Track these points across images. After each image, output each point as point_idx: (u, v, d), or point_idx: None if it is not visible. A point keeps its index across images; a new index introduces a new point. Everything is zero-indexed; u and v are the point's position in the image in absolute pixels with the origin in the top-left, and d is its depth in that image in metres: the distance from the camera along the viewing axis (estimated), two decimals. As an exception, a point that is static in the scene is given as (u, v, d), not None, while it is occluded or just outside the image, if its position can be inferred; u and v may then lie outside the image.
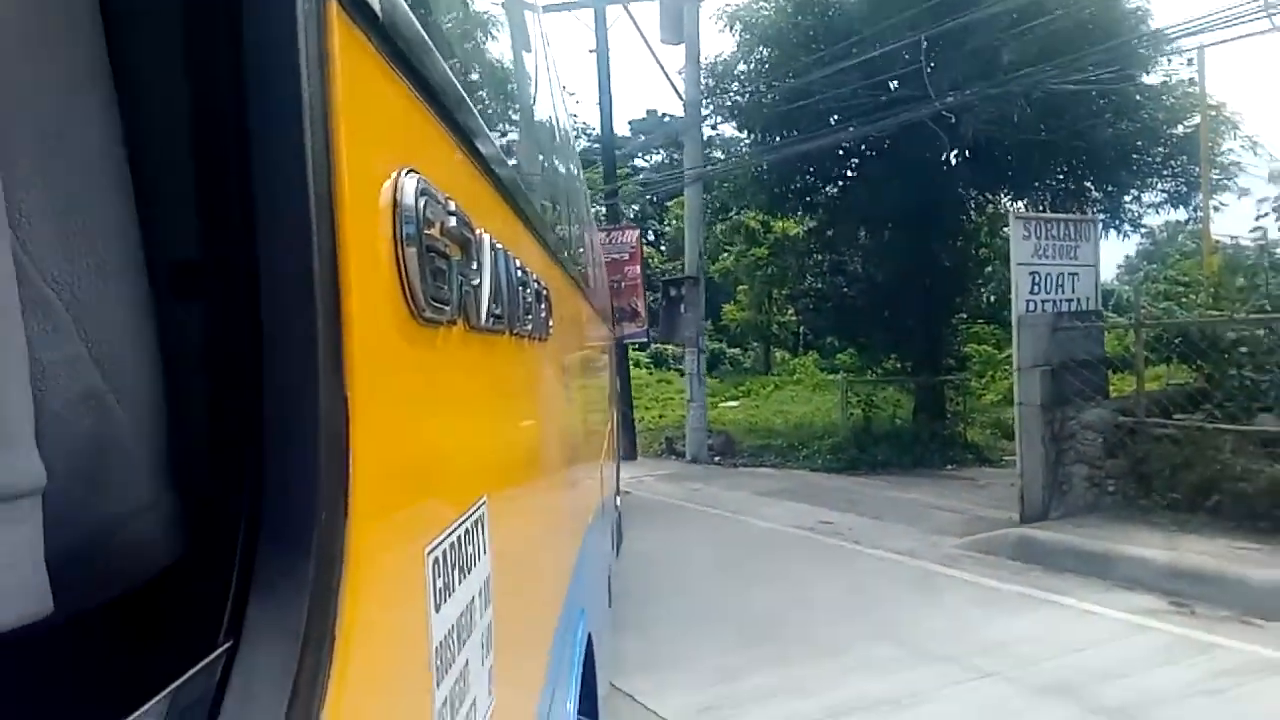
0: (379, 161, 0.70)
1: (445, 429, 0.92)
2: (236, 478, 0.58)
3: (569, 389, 2.71)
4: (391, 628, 0.71)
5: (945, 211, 15.41)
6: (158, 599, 0.59)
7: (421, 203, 0.74)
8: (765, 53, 15.39)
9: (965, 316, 18.15)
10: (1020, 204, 16.55)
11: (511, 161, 1.53)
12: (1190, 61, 12.46)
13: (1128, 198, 16.54)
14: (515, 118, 1.90)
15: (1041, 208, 16.09)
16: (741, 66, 15.63)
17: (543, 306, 1.75)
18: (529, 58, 2.35)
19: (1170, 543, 7.07)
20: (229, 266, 0.59)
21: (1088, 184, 16.19)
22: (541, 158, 2.38)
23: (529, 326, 1.52)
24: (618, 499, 7.48)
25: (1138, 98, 14.12)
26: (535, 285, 1.63)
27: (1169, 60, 13.88)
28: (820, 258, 18.84)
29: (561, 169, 3.20)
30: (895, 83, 13.55)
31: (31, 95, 0.49)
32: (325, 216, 0.58)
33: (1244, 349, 7.95)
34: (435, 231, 0.79)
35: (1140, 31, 13.22)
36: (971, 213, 16.67)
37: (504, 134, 1.57)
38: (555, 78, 3.56)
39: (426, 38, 0.87)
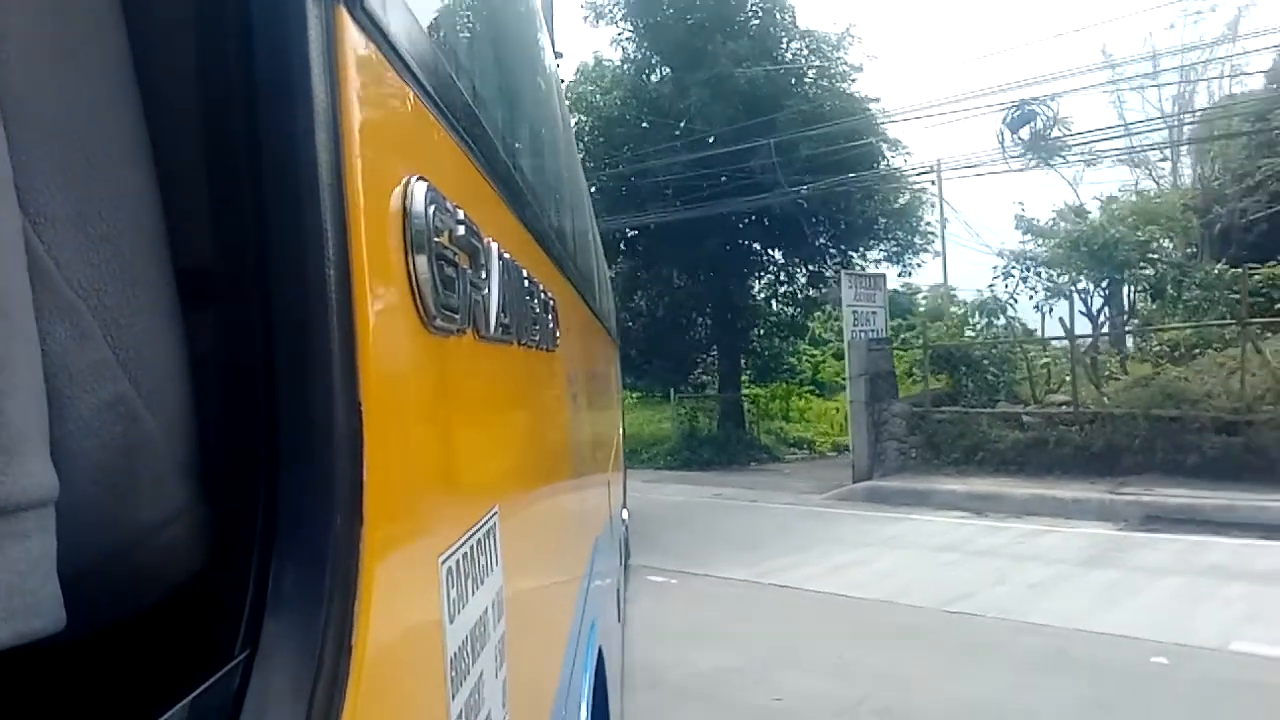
0: (389, 168, 0.70)
1: (456, 438, 0.91)
2: (252, 486, 0.57)
3: (577, 399, 2.74)
4: (407, 638, 0.71)
5: (737, 260, 19.61)
6: (174, 608, 0.58)
7: (430, 210, 0.73)
8: (589, 123, 18.77)
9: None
10: (781, 256, 21.20)
11: (518, 171, 1.54)
12: (932, 169, 17.48)
13: (855, 254, 21.67)
14: (521, 128, 1.89)
15: (797, 260, 20.88)
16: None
17: (550, 316, 1.75)
18: (535, 67, 2.36)
19: (960, 483, 11.27)
20: (241, 275, 0.59)
21: (827, 242, 21.07)
22: (546, 167, 2.37)
23: (537, 336, 1.51)
24: (624, 512, 7.48)
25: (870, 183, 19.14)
26: (542, 295, 1.63)
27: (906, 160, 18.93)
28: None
29: (566, 178, 3.20)
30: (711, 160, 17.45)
31: (54, 102, 0.49)
32: (337, 222, 0.58)
33: (986, 361, 12.52)
34: (444, 240, 0.78)
35: (883, 135, 18.15)
36: (755, 263, 21.01)
37: (510, 144, 1.56)
38: (558, 87, 3.64)
39: (435, 47, 0.89)
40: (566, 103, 5.08)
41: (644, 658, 5.77)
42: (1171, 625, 5.99)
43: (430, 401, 0.81)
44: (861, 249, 21.44)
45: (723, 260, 18.77)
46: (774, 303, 22.23)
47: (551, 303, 1.80)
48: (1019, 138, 11.73)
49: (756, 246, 20.55)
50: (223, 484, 0.60)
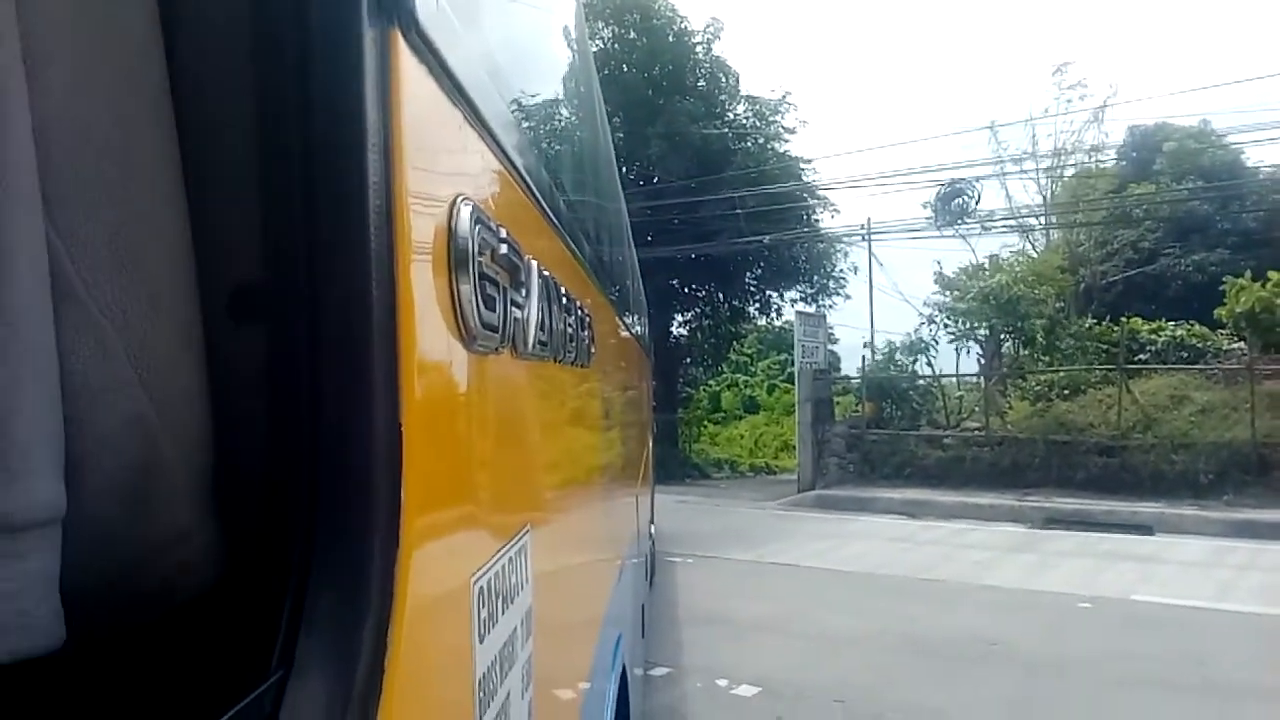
0: (436, 189, 0.71)
1: (492, 457, 0.92)
2: (291, 506, 0.57)
3: (610, 414, 2.77)
4: (438, 659, 0.72)
5: (685, 296, 21.61)
6: (210, 626, 0.59)
7: (476, 230, 0.74)
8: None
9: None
10: (720, 295, 23.35)
11: (559, 190, 1.56)
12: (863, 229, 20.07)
13: (774, 294, 23.96)
14: (563, 146, 1.90)
15: (721, 296, 23.07)
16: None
17: (586, 332, 1.76)
18: (580, 89, 2.44)
19: (894, 492, 13.45)
20: (287, 294, 0.59)
21: (750, 281, 23.28)
22: (586, 185, 2.39)
23: (573, 352, 1.52)
24: (652, 527, 7.78)
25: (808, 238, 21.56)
26: (579, 311, 1.64)
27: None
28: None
29: (605, 195, 3.23)
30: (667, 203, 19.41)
31: (93, 126, 0.50)
32: (384, 243, 0.58)
33: (912, 392, 14.83)
34: (487, 259, 0.79)
35: (815, 195, 20.56)
36: (688, 297, 23.05)
37: (553, 163, 1.58)
38: (601, 107, 3.71)
39: (485, 70, 0.91)
40: (608, 122, 5.29)
41: (702, 606, 7.49)
42: (1086, 585, 8.13)
43: (468, 421, 0.82)
44: (781, 289, 23.84)
45: (664, 294, 20.70)
46: (699, 334, 24.31)
47: (587, 318, 1.81)
48: (949, 208, 14.24)
49: (693, 284, 22.63)
50: (261, 503, 0.60)
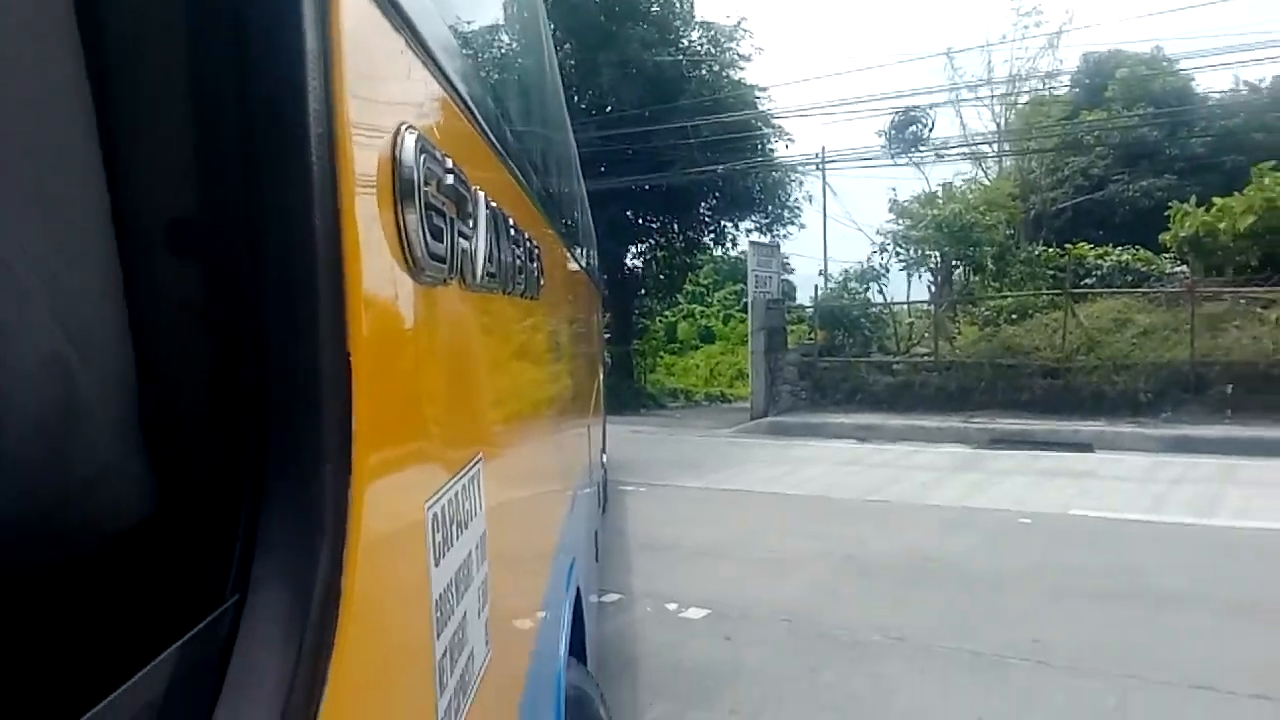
0: (379, 118, 0.70)
1: (442, 387, 0.93)
2: (240, 437, 0.58)
3: (560, 345, 2.79)
4: (394, 581, 0.73)
5: (639, 227, 21.43)
6: (161, 558, 0.59)
7: (421, 159, 0.74)
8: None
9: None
10: (675, 226, 23.21)
11: (505, 120, 1.55)
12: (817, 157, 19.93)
13: (729, 224, 23.90)
14: (510, 77, 1.88)
15: (676, 227, 22.94)
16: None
17: (535, 264, 1.77)
18: (525, 15, 2.40)
19: (845, 417, 13.64)
20: (228, 224, 0.58)
21: (705, 212, 23.18)
22: (533, 116, 2.37)
23: (522, 284, 1.53)
24: (604, 457, 7.86)
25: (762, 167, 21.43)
26: (528, 243, 1.64)
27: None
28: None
29: (552, 126, 3.23)
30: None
31: None
32: (327, 172, 0.57)
33: (863, 319, 14.96)
34: (433, 189, 0.79)
35: (771, 124, 20.34)
36: (641, 229, 22.89)
37: (499, 93, 1.56)
38: (547, 34, 3.74)
39: None
40: (557, 49, 5.24)
41: (653, 534, 7.58)
42: (1026, 501, 8.36)
43: (417, 351, 0.82)
44: (735, 219, 23.78)
45: (618, 226, 20.50)
46: (654, 265, 24.23)
47: (536, 250, 1.82)
48: (903, 137, 14.21)
49: (647, 215, 22.45)
50: (213, 433, 0.60)
